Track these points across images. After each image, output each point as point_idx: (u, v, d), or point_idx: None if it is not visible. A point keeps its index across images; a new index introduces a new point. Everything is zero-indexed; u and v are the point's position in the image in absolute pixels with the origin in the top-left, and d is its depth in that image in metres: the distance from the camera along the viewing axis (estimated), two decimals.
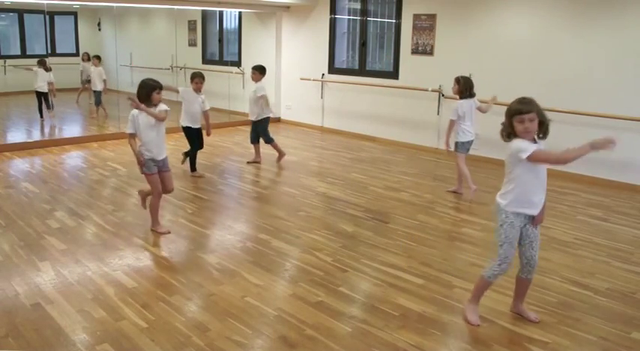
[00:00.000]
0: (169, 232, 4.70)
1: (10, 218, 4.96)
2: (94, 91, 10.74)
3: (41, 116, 10.19)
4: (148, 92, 4.44)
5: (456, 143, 5.85)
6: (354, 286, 3.77)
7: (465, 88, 5.74)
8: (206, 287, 3.70)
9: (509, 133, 3.05)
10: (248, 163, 7.30)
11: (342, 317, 3.33)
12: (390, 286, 3.76)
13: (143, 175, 4.67)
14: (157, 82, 4.54)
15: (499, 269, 3.18)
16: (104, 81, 10.59)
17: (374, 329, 3.20)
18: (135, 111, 4.46)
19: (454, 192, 6.06)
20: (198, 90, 6.33)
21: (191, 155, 6.58)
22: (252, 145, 7.38)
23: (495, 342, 3.10)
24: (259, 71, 7.17)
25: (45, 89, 10.09)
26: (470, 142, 5.85)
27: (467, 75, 5.99)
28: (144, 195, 4.92)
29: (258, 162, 7.28)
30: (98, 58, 10.78)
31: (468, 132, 5.80)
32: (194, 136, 6.51)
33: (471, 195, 5.82)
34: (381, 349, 3.00)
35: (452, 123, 5.78)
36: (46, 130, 9.83)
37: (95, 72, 10.62)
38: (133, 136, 4.52)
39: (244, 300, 3.53)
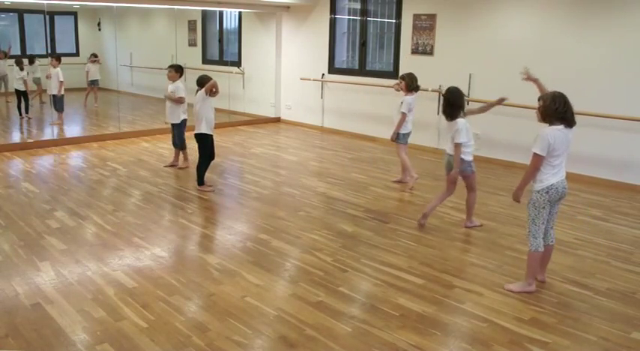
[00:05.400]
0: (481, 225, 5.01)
1: (10, 218, 4.97)
2: (52, 95, 9.60)
3: (20, 114, 10.26)
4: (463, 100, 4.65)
5: (398, 134, 6.19)
6: (354, 286, 3.77)
7: (411, 83, 6.09)
8: (206, 287, 3.70)
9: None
10: (165, 166, 6.93)
11: (342, 317, 3.33)
12: (390, 286, 3.76)
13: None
14: None
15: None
16: (61, 83, 9.49)
17: (374, 329, 3.20)
18: (463, 120, 4.61)
19: (399, 182, 6.44)
20: (210, 91, 5.77)
21: (205, 166, 6.02)
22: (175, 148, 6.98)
23: (495, 342, 3.10)
24: (175, 70, 6.63)
25: (22, 87, 10.12)
26: (409, 134, 6.27)
27: (412, 72, 6.27)
28: (429, 214, 4.98)
29: (185, 167, 6.86)
30: (58, 58, 9.75)
31: (410, 124, 6.22)
32: (211, 145, 6.00)
33: (412, 182, 6.22)
34: (381, 349, 3.00)
35: (404, 116, 6.12)
36: (24, 129, 9.84)
37: (53, 73, 9.51)
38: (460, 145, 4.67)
39: (244, 300, 3.53)
